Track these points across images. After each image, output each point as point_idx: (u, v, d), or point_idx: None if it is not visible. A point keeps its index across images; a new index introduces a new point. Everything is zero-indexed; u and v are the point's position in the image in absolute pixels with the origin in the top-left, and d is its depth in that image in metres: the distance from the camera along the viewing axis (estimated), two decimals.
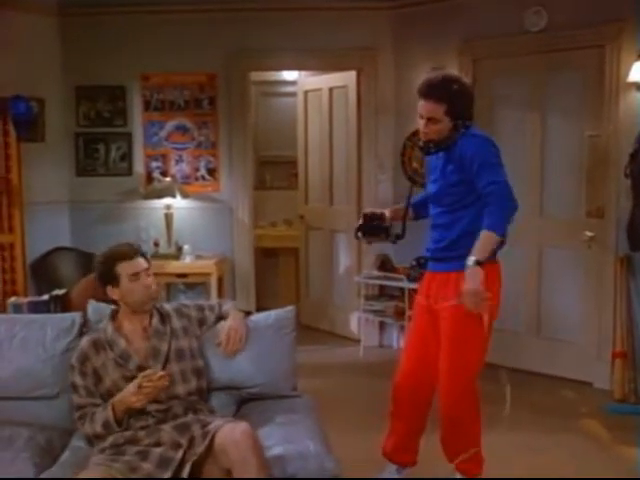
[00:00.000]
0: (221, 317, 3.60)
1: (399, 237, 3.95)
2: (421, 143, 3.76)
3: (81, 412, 3.28)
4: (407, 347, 4.08)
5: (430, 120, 3.64)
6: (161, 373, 3.14)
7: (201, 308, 3.61)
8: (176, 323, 3.45)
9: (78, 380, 3.30)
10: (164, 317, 3.44)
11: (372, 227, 3.95)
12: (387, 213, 3.98)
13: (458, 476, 3.87)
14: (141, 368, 3.22)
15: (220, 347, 3.47)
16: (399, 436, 4.02)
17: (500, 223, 3.62)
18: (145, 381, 3.11)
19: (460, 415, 3.82)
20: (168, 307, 3.53)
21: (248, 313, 3.68)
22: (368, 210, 4.05)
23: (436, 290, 3.81)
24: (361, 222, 3.97)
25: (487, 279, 3.59)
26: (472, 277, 3.50)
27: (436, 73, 3.88)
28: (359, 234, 3.97)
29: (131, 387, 3.14)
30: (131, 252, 3.38)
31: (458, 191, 3.69)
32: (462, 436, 3.85)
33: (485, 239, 3.56)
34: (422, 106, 3.65)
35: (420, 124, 3.70)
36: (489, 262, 3.65)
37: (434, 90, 3.62)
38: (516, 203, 3.64)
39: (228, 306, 3.67)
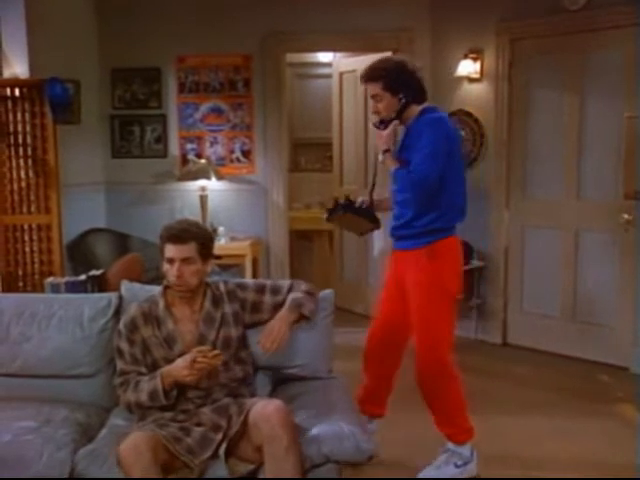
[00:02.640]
0: (279, 306, 3.43)
1: (373, 224, 4.08)
2: (374, 120, 3.97)
3: (124, 378, 3.28)
4: (377, 315, 4.23)
5: (374, 98, 3.86)
6: (216, 352, 3.11)
7: (261, 290, 3.45)
8: (228, 308, 3.36)
9: (124, 346, 3.29)
10: (217, 299, 3.35)
11: (342, 207, 4.04)
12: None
13: (450, 446, 4.02)
14: (183, 355, 3.18)
15: (259, 344, 3.35)
16: (367, 389, 4.19)
17: (397, 182, 3.87)
18: (200, 356, 3.08)
19: (437, 388, 3.98)
20: (222, 288, 3.40)
21: (302, 317, 3.43)
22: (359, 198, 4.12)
23: (401, 267, 4.00)
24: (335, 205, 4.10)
25: (443, 252, 3.91)
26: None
27: (375, 60, 3.99)
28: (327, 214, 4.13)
29: (181, 361, 3.11)
30: (179, 237, 3.21)
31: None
32: (443, 406, 4.02)
33: (391, 166, 3.84)
34: (367, 88, 3.91)
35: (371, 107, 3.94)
36: (444, 237, 3.94)
37: (370, 71, 3.87)
38: (425, 194, 3.79)
39: (291, 297, 3.43)
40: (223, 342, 3.28)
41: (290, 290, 3.48)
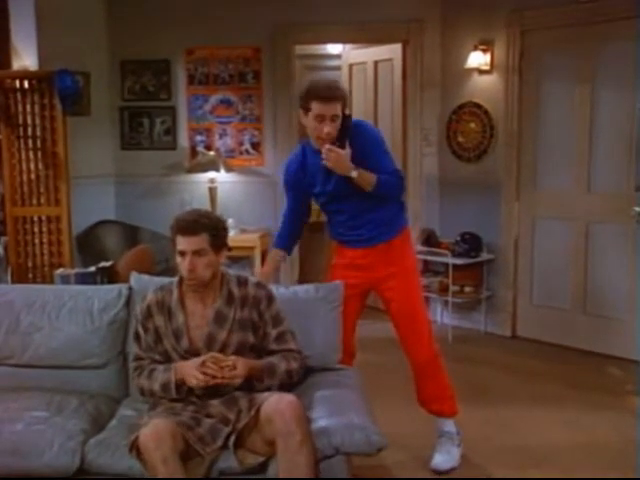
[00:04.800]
0: (270, 352, 3.30)
1: None
2: (327, 146, 3.75)
3: (138, 363, 3.29)
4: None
5: (333, 119, 3.68)
6: (229, 362, 3.06)
7: (278, 322, 3.31)
8: (246, 312, 3.26)
9: (140, 332, 3.30)
10: (233, 298, 3.26)
11: None
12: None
13: (444, 428, 4.11)
14: (190, 352, 3.18)
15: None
16: None
17: (384, 189, 3.80)
18: (211, 361, 3.05)
19: (428, 360, 4.03)
20: (252, 291, 3.29)
21: (259, 380, 3.20)
22: None
23: (376, 259, 3.95)
24: None
25: (408, 238, 4.06)
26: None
27: (322, 79, 3.89)
28: None
29: (193, 362, 3.09)
30: (190, 229, 3.13)
31: None
32: (433, 381, 4.07)
33: (370, 178, 3.74)
34: (325, 108, 3.66)
35: (323, 128, 3.69)
36: (406, 225, 4.07)
37: (334, 90, 3.70)
38: (402, 187, 3.95)
39: (276, 361, 3.23)
40: (237, 347, 3.21)
41: (288, 351, 3.30)
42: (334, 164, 3.69)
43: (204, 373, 3.05)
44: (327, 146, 3.67)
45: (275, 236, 4.28)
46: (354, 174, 3.70)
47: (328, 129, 3.68)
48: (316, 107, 3.65)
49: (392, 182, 3.80)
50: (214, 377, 3.04)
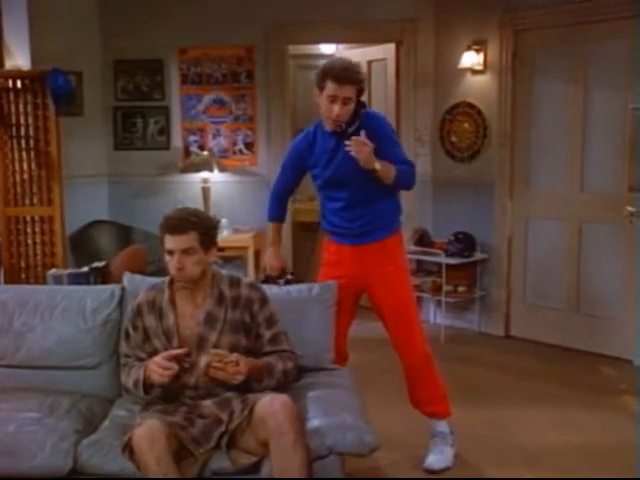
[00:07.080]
0: (265, 354, 3.27)
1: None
2: (333, 128, 3.77)
3: (125, 360, 3.32)
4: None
5: (346, 101, 3.66)
6: (232, 358, 3.03)
7: (271, 323, 3.28)
8: (238, 314, 3.24)
9: (130, 330, 3.30)
10: (224, 298, 3.23)
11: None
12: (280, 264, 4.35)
13: (438, 428, 4.10)
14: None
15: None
16: None
17: (403, 180, 3.82)
18: (216, 360, 3.01)
19: (423, 362, 4.01)
20: (245, 292, 3.27)
21: (258, 380, 3.18)
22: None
23: (371, 257, 3.93)
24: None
25: (400, 244, 4.03)
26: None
27: (341, 59, 3.92)
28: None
29: (156, 358, 3.08)
30: (178, 227, 3.10)
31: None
32: (427, 383, 4.05)
33: (390, 170, 3.71)
34: (338, 89, 3.63)
35: (333, 109, 3.67)
36: (399, 231, 4.04)
37: (351, 73, 3.68)
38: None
39: (273, 362, 3.22)
40: (229, 348, 3.16)
41: (283, 352, 3.29)
42: (363, 156, 3.60)
43: (165, 368, 3.03)
44: (360, 138, 3.59)
45: (269, 210, 4.28)
46: (377, 166, 3.64)
47: (338, 111, 3.66)
48: (330, 87, 3.65)
49: (410, 172, 3.81)
50: (219, 371, 3.02)
